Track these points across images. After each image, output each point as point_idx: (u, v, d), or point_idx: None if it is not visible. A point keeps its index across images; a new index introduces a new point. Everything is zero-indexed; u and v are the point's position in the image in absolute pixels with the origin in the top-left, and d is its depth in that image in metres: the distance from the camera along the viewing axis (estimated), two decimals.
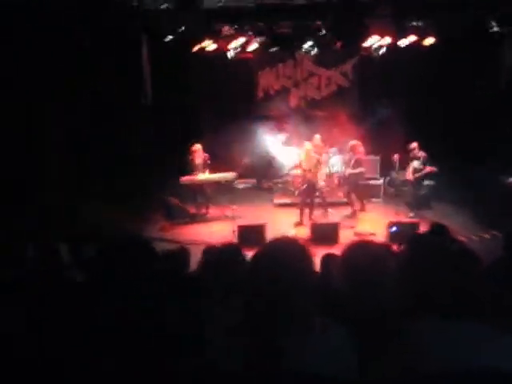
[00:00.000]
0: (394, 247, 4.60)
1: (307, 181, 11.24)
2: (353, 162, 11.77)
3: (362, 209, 12.23)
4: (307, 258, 2.00)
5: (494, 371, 1.88)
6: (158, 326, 2.19)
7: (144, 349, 2.08)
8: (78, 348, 2.10)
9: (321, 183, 11.35)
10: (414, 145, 11.54)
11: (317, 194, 11.49)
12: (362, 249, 2.50)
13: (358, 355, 1.97)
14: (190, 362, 2.07)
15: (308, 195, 11.36)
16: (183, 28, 10.68)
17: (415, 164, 11.53)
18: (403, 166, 11.84)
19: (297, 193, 12.10)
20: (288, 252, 1.99)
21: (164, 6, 10.15)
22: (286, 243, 2.10)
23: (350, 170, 11.87)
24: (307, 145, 11.43)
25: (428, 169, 11.41)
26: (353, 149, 11.81)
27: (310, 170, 11.14)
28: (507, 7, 10.46)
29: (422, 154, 11.48)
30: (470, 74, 12.69)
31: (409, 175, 11.63)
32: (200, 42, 11.65)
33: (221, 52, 12.55)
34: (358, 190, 12.13)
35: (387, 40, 11.55)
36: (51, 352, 2.17)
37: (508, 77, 12.02)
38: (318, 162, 11.25)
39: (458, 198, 12.04)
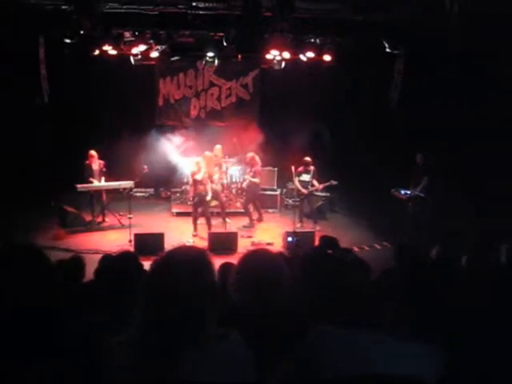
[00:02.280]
0: (290, 256, 4.74)
1: (198, 193, 11.14)
2: (251, 173, 11.93)
3: (260, 219, 12.42)
4: (208, 267, 2.00)
5: (389, 378, 1.99)
6: (51, 339, 2.12)
7: (36, 361, 2.01)
8: None
9: (208, 197, 11.15)
10: (308, 159, 11.85)
11: (210, 204, 11.49)
12: (259, 258, 2.56)
13: (256, 363, 2.01)
14: (86, 375, 2.02)
15: (199, 207, 11.28)
16: (81, 32, 10.34)
17: (304, 177, 11.83)
18: None
19: (189, 203, 12.12)
20: (188, 261, 1.98)
21: (64, 8, 9.80)
22: (186, 252, 2.09)
23: (248, 181, 12.02)
24: (206, 156, 11.38)
25: (317, 186, 11.72)
26: (251, 160, 11.99)
27: (201, 183, 11.04)
28: (398, 29, 11.06)
29: (312, 168, 11.80)
30: (367, 91, 13.29)
31: (301, 188, 11.88)
32: (100, 46, 11.35)
33: (123, 57, 12.33)
34: (255, 201, 12.31)
35: (287, 54, 11.82)
36: None
37: (398, 95, 12.65)
38: (210, 176, 11.24)
39: (354, 209, 12.52)
